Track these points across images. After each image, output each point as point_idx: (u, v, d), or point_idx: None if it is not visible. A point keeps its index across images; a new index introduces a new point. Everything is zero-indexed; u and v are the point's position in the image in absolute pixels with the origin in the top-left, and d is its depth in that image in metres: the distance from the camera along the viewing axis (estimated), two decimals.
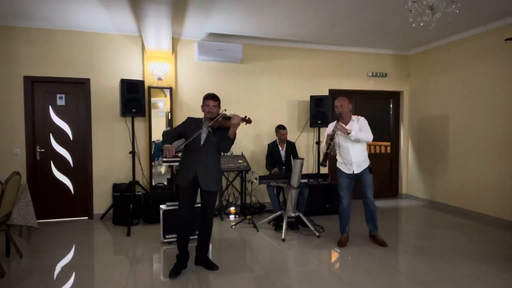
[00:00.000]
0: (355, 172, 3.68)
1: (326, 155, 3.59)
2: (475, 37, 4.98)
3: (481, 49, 4.90)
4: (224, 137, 2.97)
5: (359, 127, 3.65)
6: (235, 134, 2.95)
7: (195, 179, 2.97)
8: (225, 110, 3.02)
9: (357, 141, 3.61)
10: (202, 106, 3.06)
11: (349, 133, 3.54)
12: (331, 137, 3.60)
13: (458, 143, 5.30)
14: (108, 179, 4.93)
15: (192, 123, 3.07)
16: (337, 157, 3.83)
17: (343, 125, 3.59)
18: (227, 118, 2.94)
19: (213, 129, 3.01)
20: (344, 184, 3.76)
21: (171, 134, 3.10)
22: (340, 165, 3.79)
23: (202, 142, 3.00)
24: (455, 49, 5.32)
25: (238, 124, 2.88)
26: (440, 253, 3.54)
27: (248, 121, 2.96)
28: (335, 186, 5.10)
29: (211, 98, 3.03)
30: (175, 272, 2.97)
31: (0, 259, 3.03)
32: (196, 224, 3.26)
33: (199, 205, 3.14)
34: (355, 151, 3.66)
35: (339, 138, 3.68)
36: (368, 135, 3.64)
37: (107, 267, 3.28)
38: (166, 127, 5.31)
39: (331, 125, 3.75)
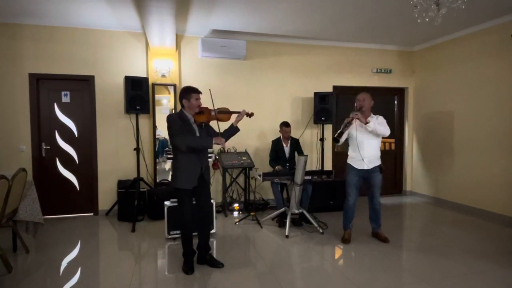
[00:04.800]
0: (365, 168, 3.62)
1: (341, 133, 3.53)
2: (481, 33, 4.92)
3: (486, 45, 4.85)
4: (233, 130, 3.13)
5: (377, 123, 3.60)
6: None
7: (200, 178, 2.98)
8: (210, 89, 3.13)
9: (374, 133, 3.54)
10: (188, 100, 2.93)
11: (367, 123, 3.48)
12: (349, 121, 3.52)
13: (462, 139, 5.27)
14: (113, 175, 4.97)
15: (182, 119, 2.94)
16: (349, 153, 3.77)
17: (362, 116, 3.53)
18: (223, 112, 3.13)
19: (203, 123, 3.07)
20: (353, 181, 3.71)
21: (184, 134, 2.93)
22: (350, 160, 3.74)
23: None
24: (461, 45, 5.26)
25: (242, 118, 3.16)
26: (444, 250, 3.54)
27: (250, 115, 3.20)
28: (339, 183, 5.13)
29: (198, 92, 2.98)
30: (190, 268, 2.99)
31: (7, 255, 3.06)
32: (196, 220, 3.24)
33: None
34: (369, 146, 3.61)
35: (356, 131, 3.63)
36: (385, 129, 3.57)
37: (112, 262, 3.31)
38: None
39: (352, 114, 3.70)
